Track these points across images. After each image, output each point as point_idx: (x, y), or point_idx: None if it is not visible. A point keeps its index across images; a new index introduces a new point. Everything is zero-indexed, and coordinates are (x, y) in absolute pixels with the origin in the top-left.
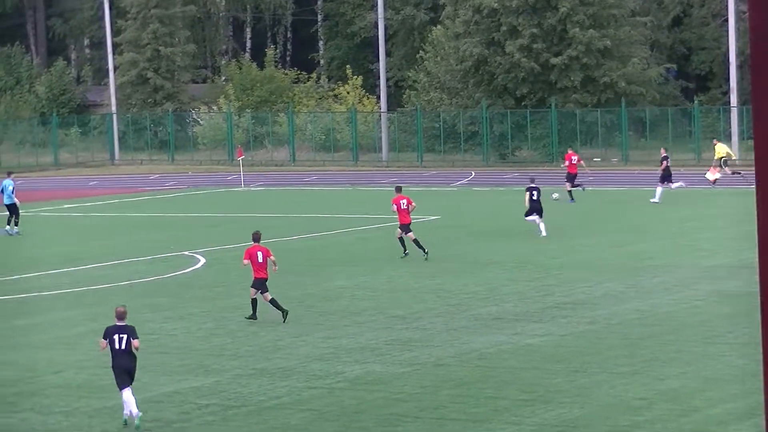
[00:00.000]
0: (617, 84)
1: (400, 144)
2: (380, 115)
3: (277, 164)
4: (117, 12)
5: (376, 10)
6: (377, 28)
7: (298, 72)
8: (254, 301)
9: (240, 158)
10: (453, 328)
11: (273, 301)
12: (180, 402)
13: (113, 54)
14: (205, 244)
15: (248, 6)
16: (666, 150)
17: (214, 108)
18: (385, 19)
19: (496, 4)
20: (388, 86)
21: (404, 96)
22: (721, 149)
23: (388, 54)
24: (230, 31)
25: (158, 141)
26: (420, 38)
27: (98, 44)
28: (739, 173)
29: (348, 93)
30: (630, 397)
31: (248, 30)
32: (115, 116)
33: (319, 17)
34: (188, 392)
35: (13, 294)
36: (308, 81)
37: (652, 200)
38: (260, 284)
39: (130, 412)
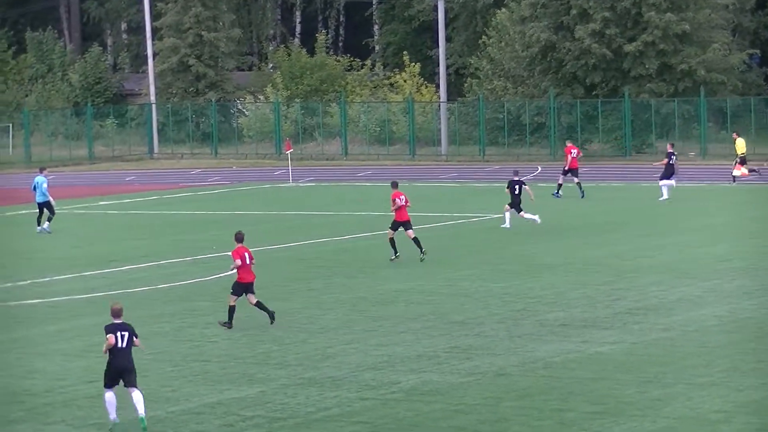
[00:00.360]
0: (696, 72)
1: (461, 136)
2: (439, 106)
3: (328, 158)
4: None
5: None
6: (437, 12)
7: (352, 59)
8: (232, 308)
9: (288, 152)
10: (517, 335)
11: (259, 303)
12: (222, 413)
13: (152, 39)
14: (250, 245)
15: None
16: (673, 146)
17: (261, 98)
18: (446, 1)
19: None
20: (448, 74)
21: (465, 85)
22: (741, 144)
23: (448, 39)
24: (278, 15)
25: (200, 133)
26: (483, 22)
27: (136, 29)
28: (756, 170)
29: (405, 81)
30: (707, 409)
31: (298, 13)
32: (154, 106)
33: (375, 0)
34: (231, 403)
35: (44, 297)
36: (362, 68)
37: (660, 199)
38: (248, 287)
39: (138, 411)
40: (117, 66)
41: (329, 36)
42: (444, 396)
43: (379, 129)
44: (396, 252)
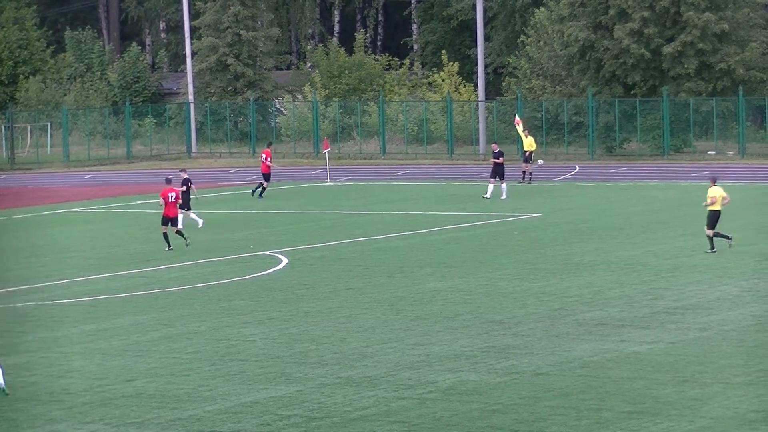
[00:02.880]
0: (735, 71)
1: (499, 135)
2: (478, 105)
3: (366, 157)
4: None
5: None
6: (475, 11)
7: (390, 58)
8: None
9: (326, 151)
10: (554, 335)
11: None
12: (260, 413)
13: (191, 39)
14: (288, 244)
15: None
16: None
17: (299, 97)
18: (485, 0)
19: None
20: (487, 73)
21: (504, 84)
22: None
23: (486, 38)
24: (317, 14)
25: (238, 132)
26: (521, 21)
27: (175, 28)
28: None
29: (443, 81)
30: (745, 409)
31: (337, 13)
32: (192, 106)
33: None
34: (269, 402)
35: (82, 297)
36: (401, 68)
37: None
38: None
39: None
40: (155, 65)
41: (368, 35)
42: (481, 395)
43: (417, 128)
44: (169, 245)
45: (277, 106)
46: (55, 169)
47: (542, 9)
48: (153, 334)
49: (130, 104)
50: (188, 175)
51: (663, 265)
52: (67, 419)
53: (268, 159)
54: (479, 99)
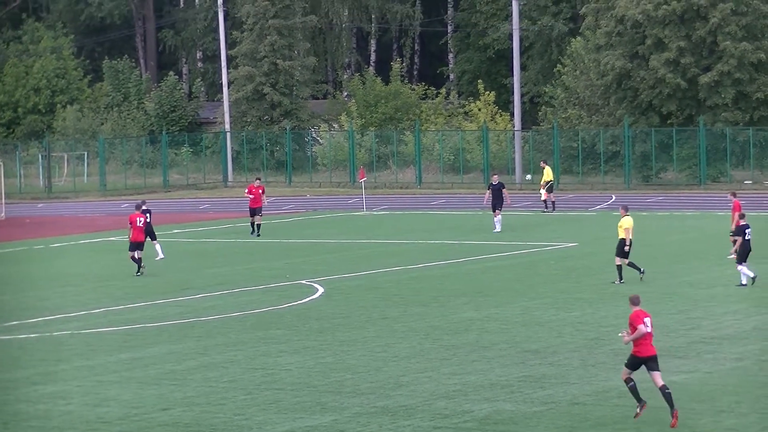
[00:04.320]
0: None
1: (535, 165)
2: (514, 134)
3: (402, 186)
4: (232, 23)
5: (511, 21)
6: (512, 40)
7: (426, 87)
8: (139, 260)
9: (362, 180)
10: (591, 364)
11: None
12: None
13: (227, 68)
14: (324, 273)
15: (373, 16)
16: None
17: (335, 126)
18: (521, 30)
19: (640, 16)
20: (523, 102)
21: (540, 113)
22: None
23: (523, 68)
24: (354, 43)
25: (275, 161)
26: (558, 51)
27: (212, 57)
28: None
29: (479, 110)
30: None
31: (373, 42)
32: (228, 134)
33: (450, 28)
34: (304, 431)
35: (118, 325)
36: (437, 97)
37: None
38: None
39: None
40: (192, 94)
41: (404, 64)
42: (517, 425)
43: (453, 157)
44: (138, 270)
45: (314, 135)
46: (91, 197)
47: (578, 38)
48: (189, 362)
49: (166, 133)
50: (147, 206)
51: (699, 294)
52: None
53: (259, 192)
54: (515, 128)
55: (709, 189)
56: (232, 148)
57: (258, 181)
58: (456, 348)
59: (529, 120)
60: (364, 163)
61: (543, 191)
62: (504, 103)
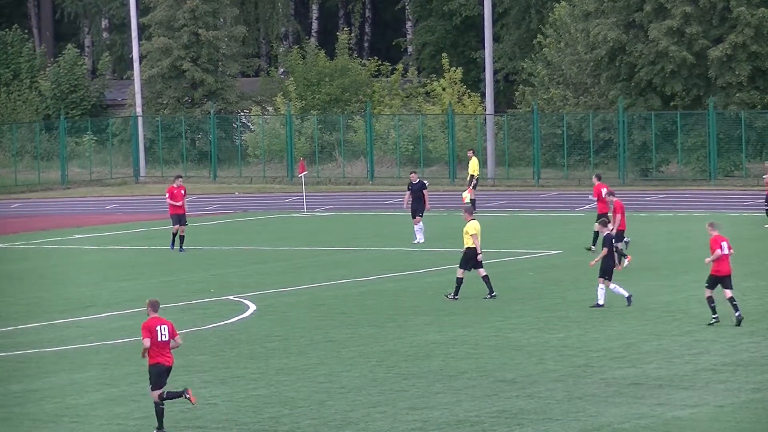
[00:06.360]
0: None
1: (511, 156)
2: (485, 119)
3: (351, 182)
4: None
5: None
6: (482, 5)
7: (380, 62)
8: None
9: (302, 174)
10: (578, 397)
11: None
12: None
13: (139, 39)
14: (257, 287)
15: None
16: None
17: (270, 109)
18: None
19: None
20: (496, 81)
21: (517, 94)
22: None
23: (496, 39)
24: (291, 10)
25: (196, 152)
26: (538, 18)
27: (120, 26)
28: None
29: (444, 90)
30: None
31: (315, 8)
32: (140, 120)
33: None
34: None
35: (8, 350)
36: (392, 74)
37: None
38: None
39: None
40: (96, 71)
41: (353, 35)
42: None
43: (412, 147)
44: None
45: (244, 120)
46: None
47: (563, 3)
48: (93, 395)
49: (65, 118)
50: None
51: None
52: None
53: (179, 195)
54: (487, 112)
55: (720, 185)
56: (144, 136)
57: (179, 180)
58: (416, 377)
59: (504, 102)
60: (304, 154)
61: (467, 192)
62: (473, 82)
